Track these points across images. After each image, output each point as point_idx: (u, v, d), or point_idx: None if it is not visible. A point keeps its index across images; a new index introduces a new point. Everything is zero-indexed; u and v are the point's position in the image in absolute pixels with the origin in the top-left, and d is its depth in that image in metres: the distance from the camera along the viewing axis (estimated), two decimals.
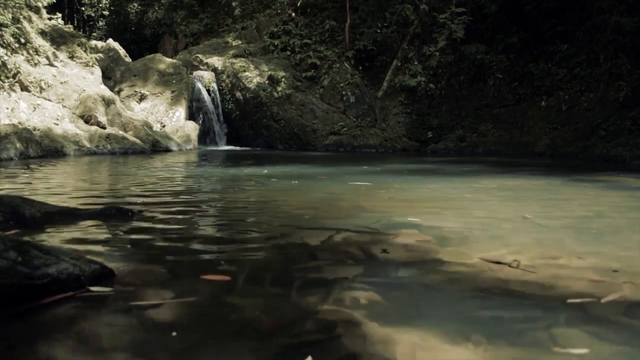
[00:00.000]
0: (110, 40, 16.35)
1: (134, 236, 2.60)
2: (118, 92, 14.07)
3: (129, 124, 12.27)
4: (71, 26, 16.57)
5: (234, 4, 19.21)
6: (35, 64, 11.88)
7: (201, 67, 16.04)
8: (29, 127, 9.90)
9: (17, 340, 1.33)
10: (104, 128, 11.69)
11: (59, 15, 15.48)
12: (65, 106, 11.70)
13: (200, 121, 14.69)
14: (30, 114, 10.79)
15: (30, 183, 5.34)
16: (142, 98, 14.27)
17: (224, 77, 15.53)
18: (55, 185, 5.21)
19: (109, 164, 8.40)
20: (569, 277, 1.98)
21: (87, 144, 10.83)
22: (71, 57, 13.39)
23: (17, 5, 11.92)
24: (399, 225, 3.02)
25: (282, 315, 1.54)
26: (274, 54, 16.60)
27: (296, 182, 5.60)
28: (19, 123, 10.05)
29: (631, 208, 4.04)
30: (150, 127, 12.81)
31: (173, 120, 13.93)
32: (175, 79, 14.70)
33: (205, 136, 14.72)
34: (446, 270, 2.05)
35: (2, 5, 11.40)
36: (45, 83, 11.51)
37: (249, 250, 2.35)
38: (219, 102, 15.37)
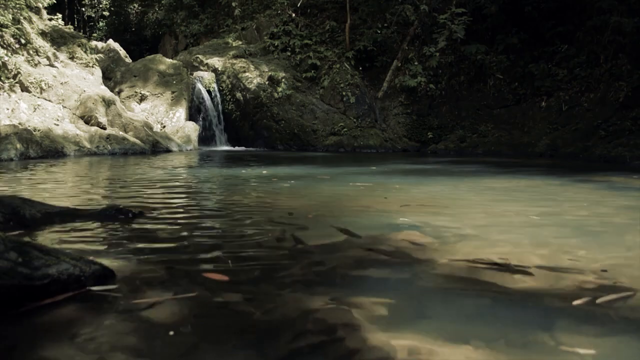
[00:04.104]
0: (110, 41, 16.36)
1: (134, 236, 2.59)
2: (118, 93, 14.07)
3: (129, 125, 12.27)
4: (71, 27, 16.56)
5: (234, 4, 19.22)
6: (36, 65, 11.88)
7: (201, 67, 16.04)
8: (29, 128, 9.90)
9: (18, 340, 1.33)
10: (104, 129, 11.69)
11: (59, 15, 15.46)
12: (65, 107, 11.70)
13: (201, 122, 14.69)
14: (30, 114, 10.78)
15: (30, 183, 5.34)
16: (143, 99, 14.27)
17: (224, 77, 15.53)
18: (55, 185, 5.21)
19: (109, 164, 8.39)
20: (569, 277, 1.98)
21: (88, 145, 10.83)
22: (71, 58, 13.39)
23: (17, 5, 11.92)
24: (398, 225, 3.02)
25: (282, 316, 1.54)
26: (274, 54, 16.59)
27: (296, 182, 5.60)
28: (19, 124, 10.05)
29: (632, 208, 4.04)
30: (151, 128, 12.81)
31: (173, 120, 13.93)
32: (175, 79, 14.70)
33: (205, 137, 14.71)
34: (446, 271, 2.05)
35: (2, 5, 11.40)
36: (45, 84, 11.50)
37: (249, 250, 2.35)
38: (219, 102, 15.36)
